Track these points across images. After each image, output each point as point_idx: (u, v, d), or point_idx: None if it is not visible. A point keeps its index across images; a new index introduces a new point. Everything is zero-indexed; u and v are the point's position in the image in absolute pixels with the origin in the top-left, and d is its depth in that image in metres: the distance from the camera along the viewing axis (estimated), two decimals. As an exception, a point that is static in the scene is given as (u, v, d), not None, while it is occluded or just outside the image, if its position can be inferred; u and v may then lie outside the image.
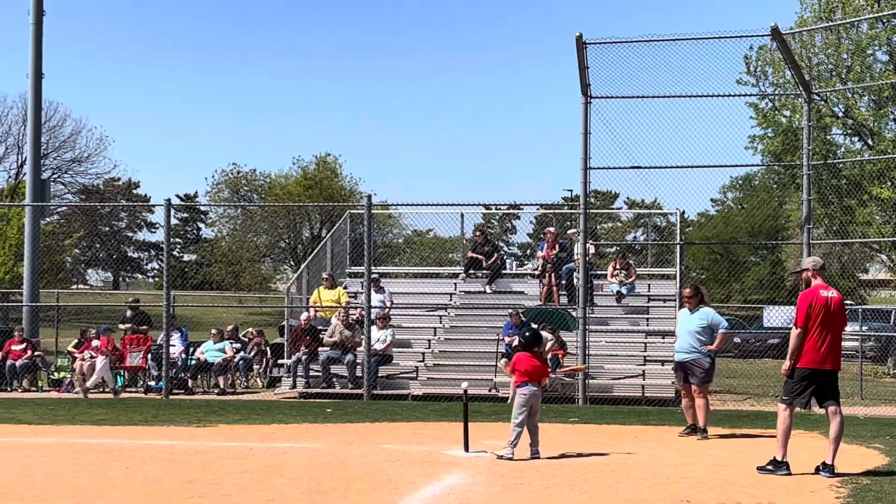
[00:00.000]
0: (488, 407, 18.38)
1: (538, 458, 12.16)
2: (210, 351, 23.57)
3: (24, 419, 16.89)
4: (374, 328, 21.76)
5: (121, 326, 25.29)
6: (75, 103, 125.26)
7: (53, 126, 70.40)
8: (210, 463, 11.76)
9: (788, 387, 11.25)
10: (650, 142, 20.87)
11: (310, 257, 26.73)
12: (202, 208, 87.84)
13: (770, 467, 11.17)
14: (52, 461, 11.89)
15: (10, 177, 74.56)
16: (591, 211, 22.21)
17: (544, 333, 19.51)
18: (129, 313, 25.39)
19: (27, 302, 26.28)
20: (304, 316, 23.15)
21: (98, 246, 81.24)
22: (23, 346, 23.94)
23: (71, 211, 69.55)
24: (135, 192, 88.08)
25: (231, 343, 24.69)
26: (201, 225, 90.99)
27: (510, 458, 11.96)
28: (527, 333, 13.10)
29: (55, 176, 71.82)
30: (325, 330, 22.78)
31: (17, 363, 23.66)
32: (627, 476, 10.98)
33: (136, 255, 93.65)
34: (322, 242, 27.51)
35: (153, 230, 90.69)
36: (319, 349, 22.41)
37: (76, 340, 24.84)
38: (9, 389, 23.53)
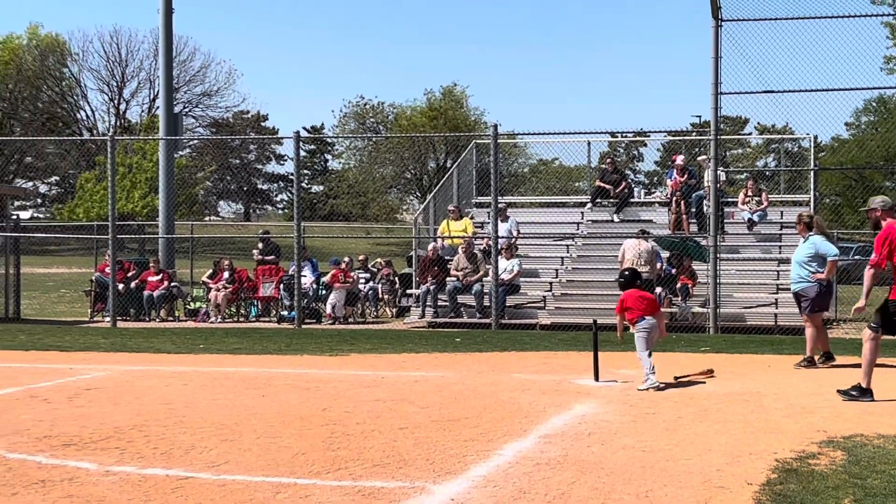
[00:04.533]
0: (616, 336, 18.26)
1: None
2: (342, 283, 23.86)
3: (163, 348, 17.38)
4: (501, 258, 21.76)
5: (255, 252, 25.79)
6: (204, 37, 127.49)
7: (183, 60, 71.86)
8: (343, 391, 11.95)
9: (879, 318, 11.07)
10: (782, 65, 20.37)
11: (436, 188, 26.80)
12: (329, 140, 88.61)
13: (854, 393, 11.06)
14: (191, 389, 12.21)
15: (142, 111, 76.36)
16: (722, 137, 21.77)
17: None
18: (260, 245, 25.84)
19: (163, 234, 26.93)
20: (431, 246, 23.27)
21: (229, 178, 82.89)
22: (159, 276, 24.57)
23: (202, 144, 70.92)
24: (263, 124, 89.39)
25: (359, 273, 25.00)
26: (328, 157, 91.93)
27: (658, 387, 11.90)
28: (625, 272, 13.14)
29: (186, 110, 73.22)
30: (453, 260, 22.89)
31: (155, 293, 24.31)
32: (761, 405, 10.82)
33: (265, 187, 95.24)
34: (448, 173, 27.53)
35: (282, 162, 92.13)
36: (447, 279, 22.53)
37: (210, 271, 25.43)
38: (147, 319, 24.22)
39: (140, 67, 76.73)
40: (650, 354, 12.25)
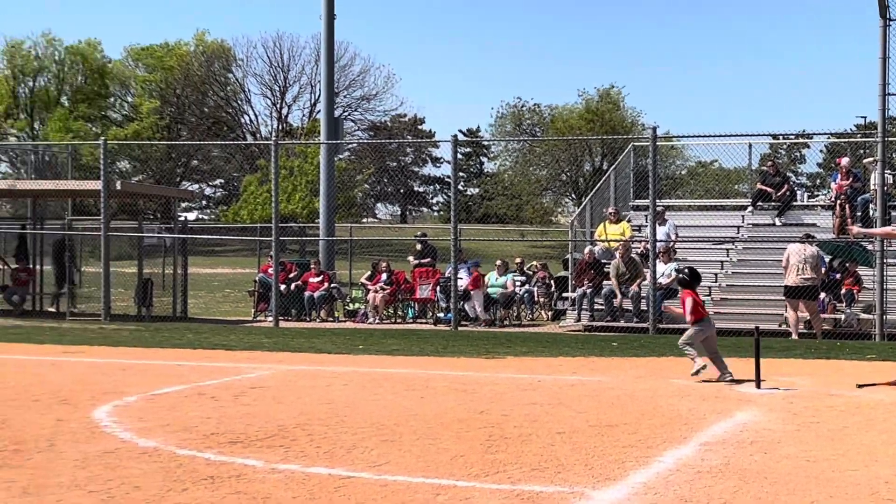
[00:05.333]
0: (779, 342, 17.90)
1: (733, 378, 12.92)
2: (494, 285, 23.99)
3: (324, 348, 17.72)
4: (659, 262, 21.54)
5: (410, 259, 26.04)
6: (364, 43, 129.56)
7: (344, 65, 73.24)
8: (500, 394, 12.01)
9: None
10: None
11: (593, 191, 26.67)
12: (485, 143, 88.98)
13: None
14: (352, 389, 12.42)
15: (303, 115, 78.06)
16: (889, 139, 21.11)
17: None
18: (418, 246, 26.11)
19: (323, 236, 27.47)
20: (587, 249, 23.17)
21: (386, 181, 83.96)
22: (319, 278, 25.07)
23: (361, 147, 71.99)
24: (420, 127, 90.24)
25: (514, 276, 25.04)
26: (483, 159, 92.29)
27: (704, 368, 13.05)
28: (686, 270, 13.69)
29: (346, 114, 74.57)
30: (610, 264, 22.74)
31: (315, 294, 24.81)
32: (932, 417, 10.47)
33: (421, 190, 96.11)
34: (606, 176, 27.37)
35: (438, 165, 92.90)
36: (603, 283, 22.40)
37: (369, 272, 25.83)
38: (307, 319, 24.73)
39: (301, 72, 78.56)
40: (719, 356, 13.27)
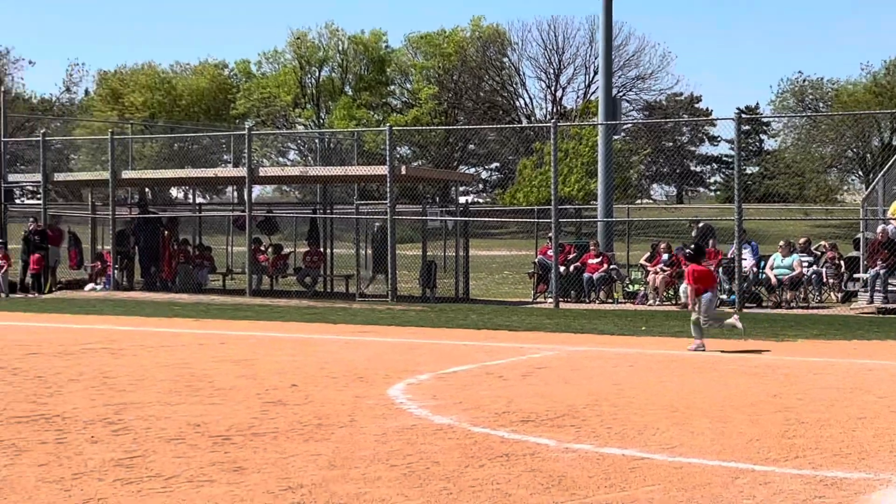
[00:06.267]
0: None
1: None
2: (779, 267, 23.26)
3: (605, 329, 17.69)
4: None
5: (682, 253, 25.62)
6: (638, 21, 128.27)
7: (618, 45, 72.82)
8: (793, 378, 11.67)
9: None
10: None
11: (886, 167, 25.44)
12: (765, 120, 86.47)
13: None
14: (637, 371, 12.36)
15: (577, 97, 78.15)
16: None
17: None
18: (693, 233, 25.65)
19: (601, 217, 27.40)
20: (881, 228, 22.15)
21: (662, 161, 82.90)
22: (599, 259, 25.03)
23: (636, 128, 71.40)
24: (696, 106, 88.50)
25: (801, 256, 24.20)
26: (763, 136, 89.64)
27: (703, 349, 14.10)
28: (692, 245, 15.22)
29: (620, 94, 74.16)
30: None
31: (595, 276, 24.80)
32: None
33: (698, 169, 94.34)
34: (899, 151, 26.07)
35: (715, 143, 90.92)
36: (898, 263, 21.38)
37: (648, 254, 25.57)
38: (587, 301, 24.74)
39: (576, 54, 78.52)
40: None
